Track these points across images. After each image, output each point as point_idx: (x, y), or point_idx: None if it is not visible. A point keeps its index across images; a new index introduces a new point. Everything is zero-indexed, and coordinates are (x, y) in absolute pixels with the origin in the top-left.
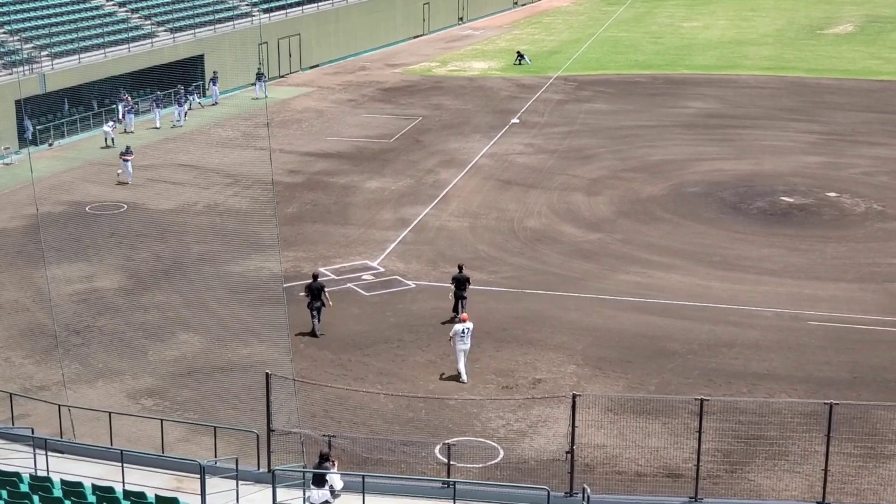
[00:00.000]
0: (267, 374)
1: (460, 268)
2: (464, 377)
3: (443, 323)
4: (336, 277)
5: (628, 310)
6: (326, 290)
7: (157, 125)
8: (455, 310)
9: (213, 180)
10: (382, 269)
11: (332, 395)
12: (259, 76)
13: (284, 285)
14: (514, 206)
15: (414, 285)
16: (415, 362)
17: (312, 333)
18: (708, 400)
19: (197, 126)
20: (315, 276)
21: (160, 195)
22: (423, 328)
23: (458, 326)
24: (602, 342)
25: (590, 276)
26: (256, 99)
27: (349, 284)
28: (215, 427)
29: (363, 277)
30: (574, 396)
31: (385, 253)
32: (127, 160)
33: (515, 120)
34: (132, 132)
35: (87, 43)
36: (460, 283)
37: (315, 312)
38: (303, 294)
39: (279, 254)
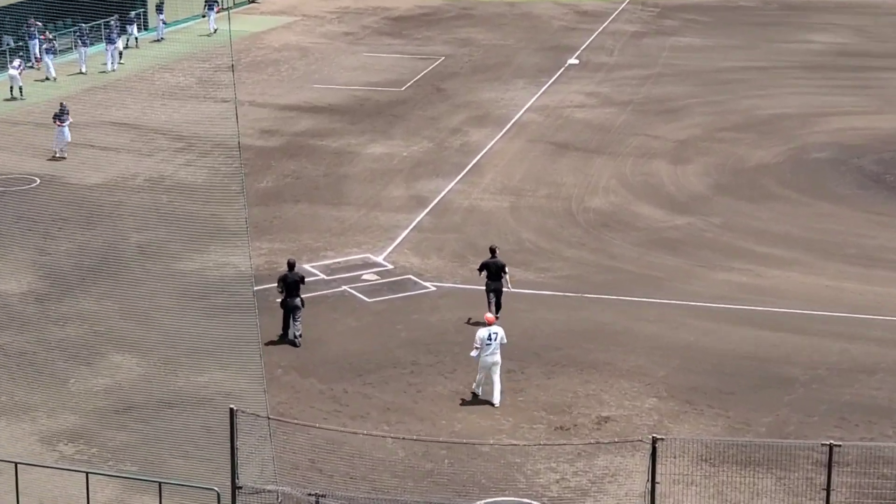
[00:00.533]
0: (231, 409)
1: (493, 251)
2: (477, 389)
3: (469, 322)
4: (327, 278)
5: (730, 321)
6: (304, 288)
7: (83, 69)
8: (491, 309)
9: (159, 144)
10: (390, 266)
11: (320, 440)
12: (209, 4)
13: (256, 288)
14: (571, 178)
15: (433, 288)
16: (435, 394)
17: (288, 341)
18: (840, 446)
19: (136, 70)
20: (291, 265)
21: (85, 165)
22: (447, 347)
23: (482, 332)
24: (693, 366)
25: (677, 274)
26: (210, 35)
27: (345, 287)
28: (160, 482)
29: (364, 277)
30: (654, 441)
31: (394, 244)
32: (63, 124)
33: (574, 60)
34: (54, 78)
35: None
36: (493, 271)
37: (292, 314)
38: (278, 296)
39: (248, 246)
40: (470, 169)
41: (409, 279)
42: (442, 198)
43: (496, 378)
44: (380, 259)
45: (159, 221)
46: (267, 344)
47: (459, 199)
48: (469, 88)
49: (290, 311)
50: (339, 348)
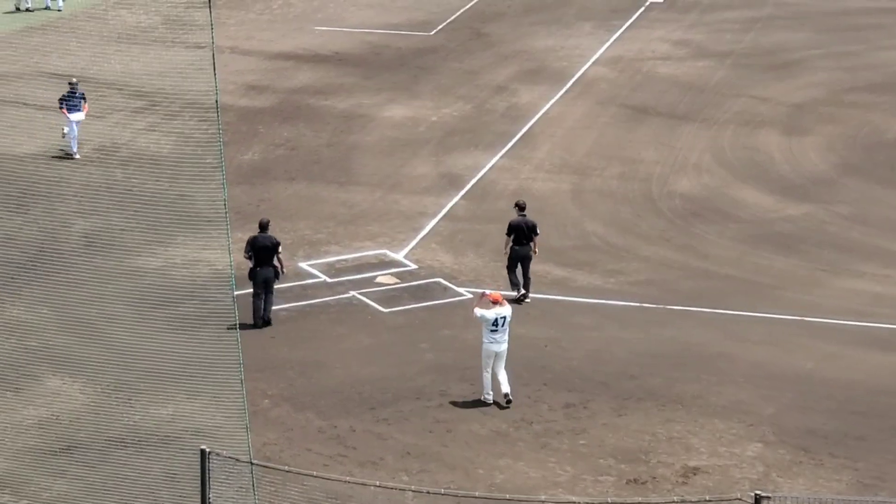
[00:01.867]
0: (203, 451)
1: (521, 207)
2: (488, 395)
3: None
4: (329, 280)
5: (860, 343)
6: (281, 253)
7: (21, 5)
8: (516, 287)
9: (113, 103)
10: (414, 267)
11: (319, 493)
12: None
13: (237, 292)
14: (652, 153)
15: (470, 296)
16: (470, 435)
17: (260, 322)
18: None
19: (83, 5)
20: (263, 225)
21: (16, 129)
22: None
23: (486, 313)
24: (811, 402)
25: (790, 280)
26: None
27: (353, 293)
28: None
29: (378, 280)
30: (758, 500)
31: (419, 237)
32: (74, 109)
33: None
34: None
35: None
36: (521, 233)
37: (261, 290)
38: (245, 256)
39: (228, 237)
40: (519, 139)
41: (438, 283)
42: (482, 177)
43: (502, 370)
44: (400, 256)
45: (112, 204)
46: (251, 366)
47: (505, 178)
48: (519, 33)
49: (261, 284)
50: (345, 373)
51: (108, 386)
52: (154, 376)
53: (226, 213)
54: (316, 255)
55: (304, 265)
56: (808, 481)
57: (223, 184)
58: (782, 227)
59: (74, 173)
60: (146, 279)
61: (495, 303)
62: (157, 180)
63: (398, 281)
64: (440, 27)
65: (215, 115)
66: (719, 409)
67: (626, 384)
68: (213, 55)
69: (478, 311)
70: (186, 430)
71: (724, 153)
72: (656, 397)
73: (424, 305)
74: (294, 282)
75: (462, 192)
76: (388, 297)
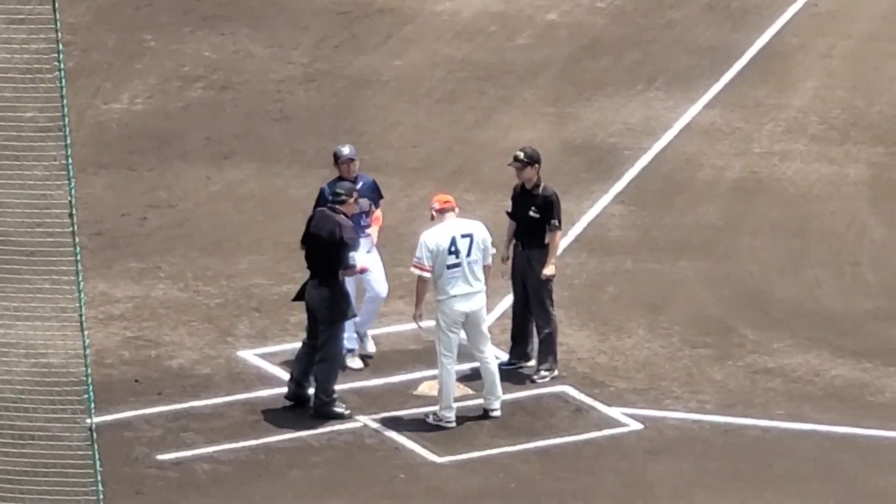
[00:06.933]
0: None
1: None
2: (450, 419)
3: None
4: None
5: None
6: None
7: None
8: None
9: None
10: (501, 358)
11: None
12: None
13: (94, 420)
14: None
15: (638, 426)
16: None
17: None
18: None
19: None
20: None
21: None
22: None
23: (436, 236)
24: None
25: None
26: None
27: (364, 420)
28: None
29: (420, 391)
30: None
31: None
32: (365, 227)
33: None
34: None
35: None
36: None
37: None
38: None
39: (80, 290)
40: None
41: (563, 395)
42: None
43: (487, 350)
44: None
45: None
46: None
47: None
48: None
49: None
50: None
51: None
52: None
53: (73, 229)
54: (278, 335)
55: (249, 355)
56: None
57: (68, 166)
58: None
59: None
60: None
61: (442, 210)
62: None
63: (470, 391)
64: None
65: (56, 34)
66: None
67: None
68: None
69: (419, 259)
70: None
71: None
72: None
73: (532, 447)
74: (235, 394)
75: (615, 188)
76: (447, 431)
